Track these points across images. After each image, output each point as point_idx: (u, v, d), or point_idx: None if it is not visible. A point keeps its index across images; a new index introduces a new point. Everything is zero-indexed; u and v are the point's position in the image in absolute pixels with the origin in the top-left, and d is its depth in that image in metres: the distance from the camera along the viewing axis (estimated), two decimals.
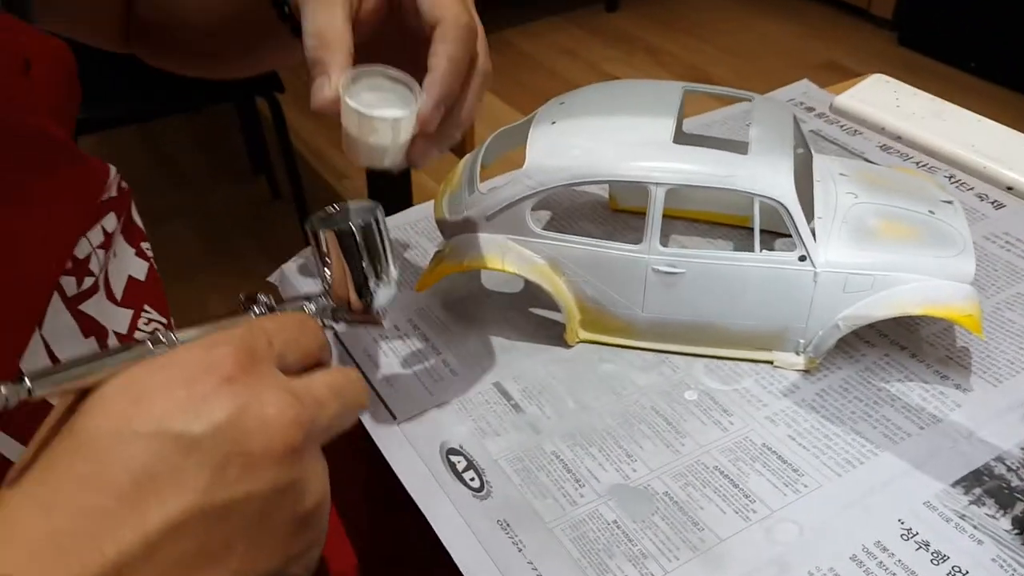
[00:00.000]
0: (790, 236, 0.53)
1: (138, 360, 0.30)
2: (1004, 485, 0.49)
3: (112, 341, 0.42)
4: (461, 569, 0.44)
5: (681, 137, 0.57)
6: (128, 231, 0.47)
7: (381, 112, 0.39)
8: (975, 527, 0.46)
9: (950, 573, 0.44)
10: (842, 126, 0.79)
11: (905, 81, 0.74)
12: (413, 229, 0.68)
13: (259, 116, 1.99)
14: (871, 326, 0.58)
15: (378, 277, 0.36)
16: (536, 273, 0.56)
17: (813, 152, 0.60)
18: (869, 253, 0.53)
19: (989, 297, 0.61)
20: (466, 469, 0.50)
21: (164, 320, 0.41)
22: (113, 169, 0.46)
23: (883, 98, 0.49)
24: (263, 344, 0.32)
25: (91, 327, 0.42)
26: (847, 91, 0.54)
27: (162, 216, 1.91)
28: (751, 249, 0.53)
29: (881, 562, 0.45)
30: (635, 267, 0.54)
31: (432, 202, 0.59)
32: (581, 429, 0.52)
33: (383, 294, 0.36)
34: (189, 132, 2.30)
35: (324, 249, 0.35)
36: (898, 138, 0.46)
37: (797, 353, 0.56)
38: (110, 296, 0.44)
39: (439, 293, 0.61)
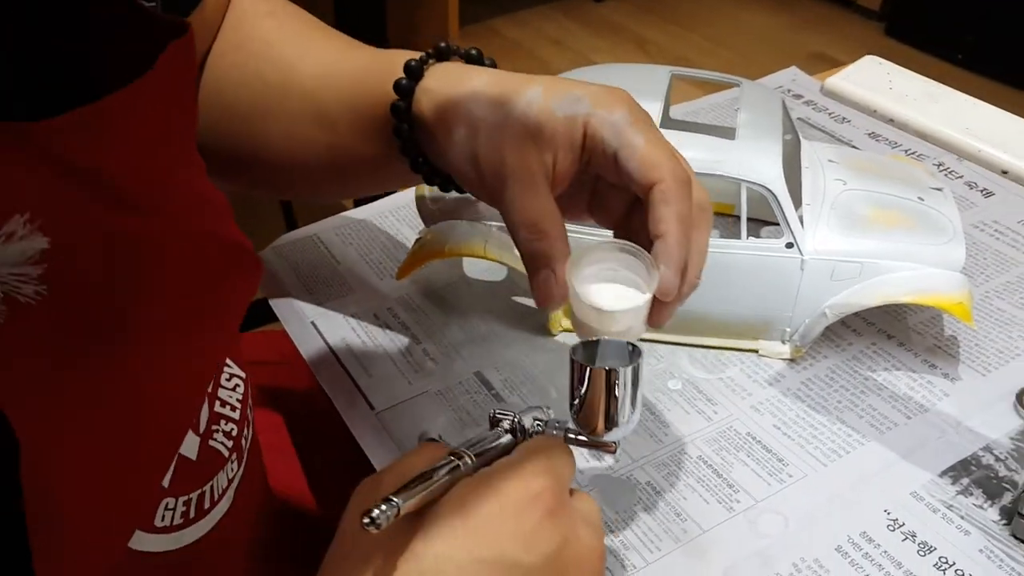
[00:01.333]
0: (777, 224, 0.52)
1: (454, 479, 0.34)
2: (992, 475, 0.48)
3: (204, 408, 0.39)
4: None
5: (668, 122, 0.56)
6: None
7: (622, 304, 0.37)
8: (962, 517, 0.46)
9: (937, 564, 0.43)
10: (830, 113, 0.78)
11: None
12: (395, 216, 0.67)
13: None
14: (858, 314, 0.57)
15: (628, 413, 0.37)
16: (519, 260, 0.54)
17: (802, 139, 0.59)
18: (857, 240, 0.52)
19: (979, 286, 0.60)
20: None
21: (242, 375, 0.40)
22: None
23: (875, 80, 0.48)
24: (567, 477, 0.36)
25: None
26: (838, 72, 0.53)
27: None
28: (738, 236, 0.52)
29: (867, 553, 0.44)
30: None
31: (414, 189, 0.58)
32: (562, 419, 0.51)
33: (625, 428, 0.38)
34: None
35: (586, 380, 0.37)
36: (890, 120, 0.45)
37: (783, 341, 0.55)
38: None
39: (420, 282, 0.60)
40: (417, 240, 0.57)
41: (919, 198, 0.55)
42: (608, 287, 0.38)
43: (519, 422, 0.38)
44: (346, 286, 0.60)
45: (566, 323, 0.57)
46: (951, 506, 0.46)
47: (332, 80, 0.48)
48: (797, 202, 0.53)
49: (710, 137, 0.52)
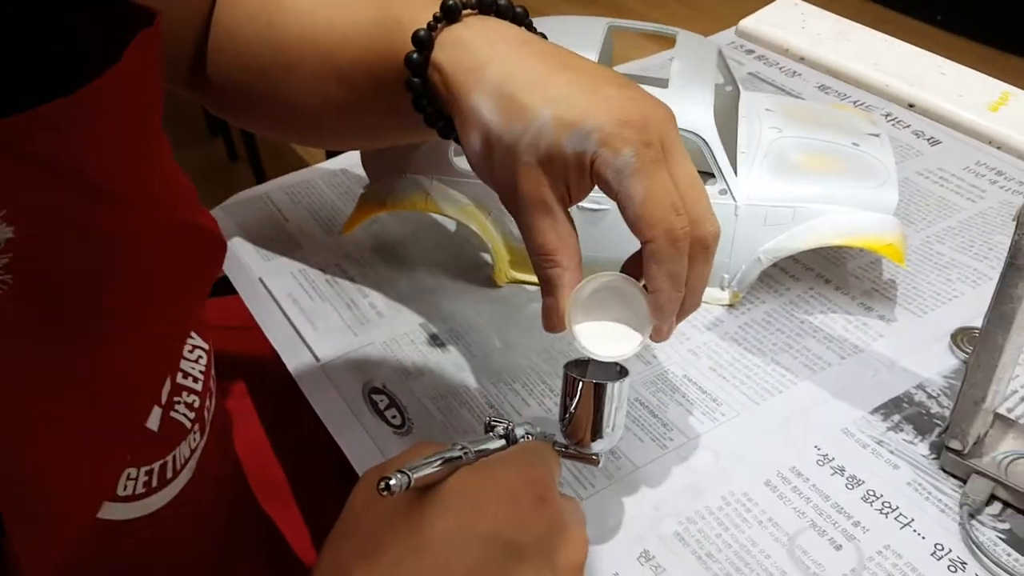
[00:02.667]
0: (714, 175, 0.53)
1: (457, 464, 0.36)
2: (923, 411, 0.49)
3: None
4: None
5: None
6: None
7: (610, 351, 0.39)
8: (892, 452, 0.47)
9: (864, 497, 0.45)
10: (781, 68, 0.79)
11: None
12: (344, 175, 0.67)
13: None
14: (798, 260, 0.58)
15: (612, 427, 0.40)
16: (461, 213, 0.55)
17: (741, 89, 0.60)
18: (790, 186, 0.53)
19: (920, 231, 0.61)
20: (388, 407, 0.50)
21: (205, 347, 0.40)
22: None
23: (789, 20, 0.49)
24: (556, 473, 0.38)
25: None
26: (753, 14, 0.53)
27: None
28: None
29: (795, 486, 0.45)
30: None
31: None
32: (506, 367, 0.52)
33: (608, 440, 0.41)
34: None
35: (577, 394, 0.39)
36: (801, 59, 0.46)
37: (721, 288, 0.56)
38: None
39: (369, 237, 0.61)
40: (362, 195, 0.58)
41: (854, 144, 0.56)
42: (605, 325, 0.39)
43: (512, 429, 0.40)
44: (294, 243, 0.61)
45: (513, 274, 0.58)
46: (881, 441, 0.48)
47: (346, 36, 0.46)
48: (733, 150, 0.54)
49: (642, 87, 0.53)
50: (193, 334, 0.39)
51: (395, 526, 0.34)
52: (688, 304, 0.39)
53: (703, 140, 0.52)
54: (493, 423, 0.40)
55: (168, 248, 0.35)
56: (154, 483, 0.37)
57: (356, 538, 0.34)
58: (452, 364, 0.52)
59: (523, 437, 0.40)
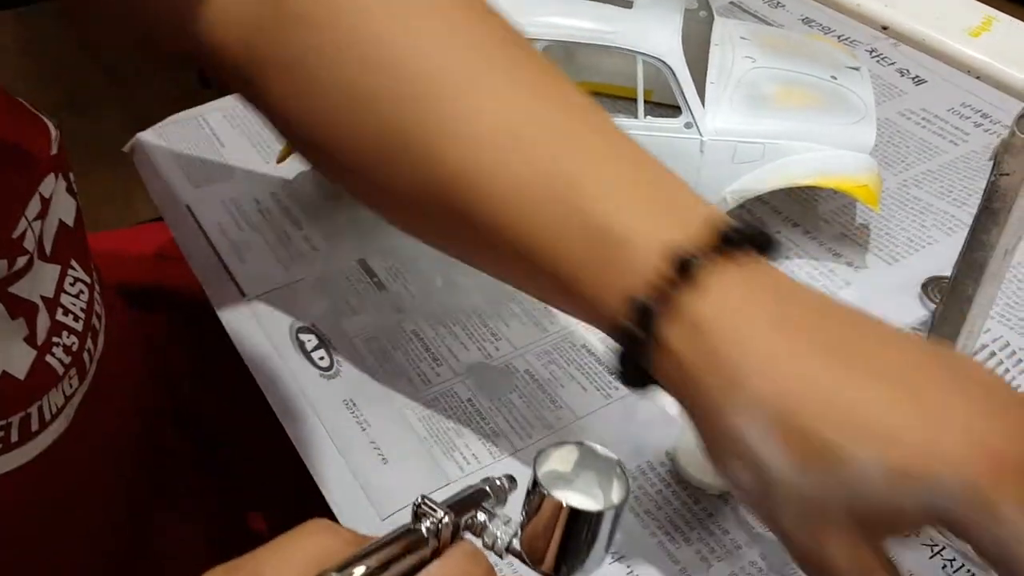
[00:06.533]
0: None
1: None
2: None
3: (43, 317, 0.34)
4: (297, 448, 0.42)
5: None
6: (59, 164, 0.38)
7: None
8: None
9: None
10: None
11: None
12: None
13: None
14: (765, 202, 0.54)
15: (589, 561, 0.29)
16: None
17: (716, 15, 0.55)
18: (761, 120, 0.49)
19: (897, 174, 0.58)
20: (316, 348, 0.46)
21: (88, 280, 0.36)
22: (54, 129, 0.37)
23: None
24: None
25: (19, 308, 0.34)
26: None
27: (87, 106, 1.83)
28: (635, 116, 0.49)
29: None
30: None
31: None
32: (446, 308, 0.49)
33: (582, 572, 0.29)
34: (113, 18, 2.18)
35: (544, 511, 0.28)
36: None
37: None
38: (41, 254, 0.36)
39: (309, 168, 0.57)
40: None
41: (832, 77, 0.52)
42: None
43: (442, 525, 0.26)
44: (228, 170, 0.57)
45: None
46: None
47: (523, 212, 0.31)
48: (701, 81, 0.50)
49: (605, 6, 0.48)
50: (75, 265, 0.35)
51: None
52: None
53: (669, 68, 0.48)
54: (423, 509, 0.26)
55: None
56: (13, 438, 0.32)
57: None
58: (389, 304, 0.49)
59: (463, 527, 0.28)
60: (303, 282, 0.50)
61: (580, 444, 0.31)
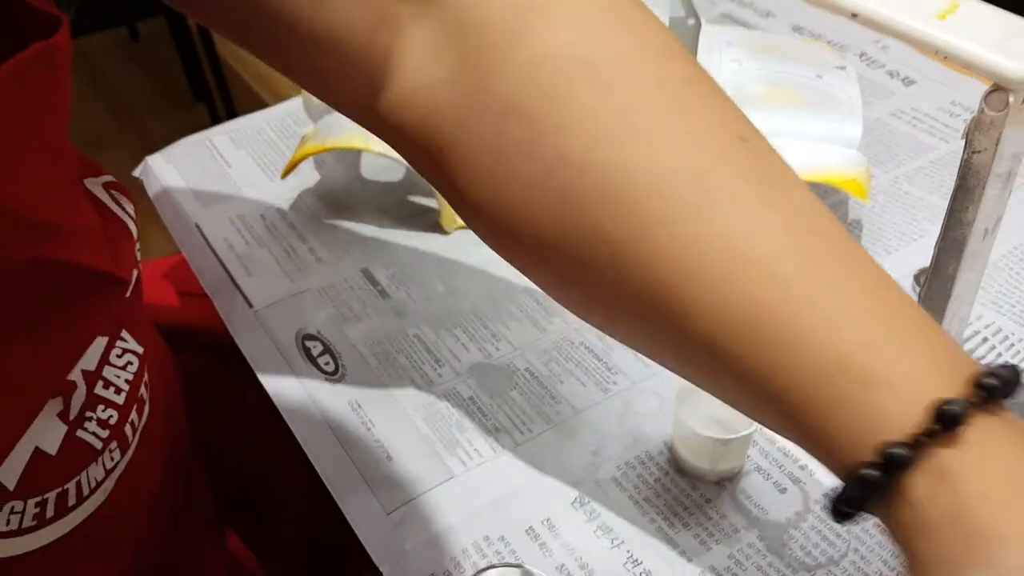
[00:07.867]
0: None
1: None
2: None
3: (79, 392, 0.33)
4: (304, 448, 0.43)
5: None
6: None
7: None
8: None
9: None
10: (755, 9, 0.76)
11: None
12: (291, 119, 0.65)
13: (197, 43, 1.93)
14: None
15: None
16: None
17: (703, 22, 0.57)
18: (748, 118, 0.50)
19: (889, 171, 0.59)
20: (321, 354, 0.48)
21: (139, 350, 0.33)
22: (134, 227, 0.36)
23: None
24: None
25: (57, 386, 0.33)
26: None
27: (99, 143, 1.86)
28: None
29: None
30: None
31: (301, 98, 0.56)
32: (448, 312, 0.50)
33: None
34: (126, 57, 2.23)
35: None
36: None
37: None
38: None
39: (313, 183, 0.59)
40: (303, 137, 0.55)
41: (817, 76, 0.53)
42: None
43: None
44: (234, 188, 0.58)
45: (460, 220, 0.55)
46: None
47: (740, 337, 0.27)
48: None
49: None
50: (126, 336, 0.33)
51: None
52: None
53: None
54: None
55: (39, 287, 0.29)
56: (50, 513, 0.31)
57: None
58: (391, 310, 0.50)
59: None
60: (308, 292, 0.51)
61: (520, 567, 0.32)
